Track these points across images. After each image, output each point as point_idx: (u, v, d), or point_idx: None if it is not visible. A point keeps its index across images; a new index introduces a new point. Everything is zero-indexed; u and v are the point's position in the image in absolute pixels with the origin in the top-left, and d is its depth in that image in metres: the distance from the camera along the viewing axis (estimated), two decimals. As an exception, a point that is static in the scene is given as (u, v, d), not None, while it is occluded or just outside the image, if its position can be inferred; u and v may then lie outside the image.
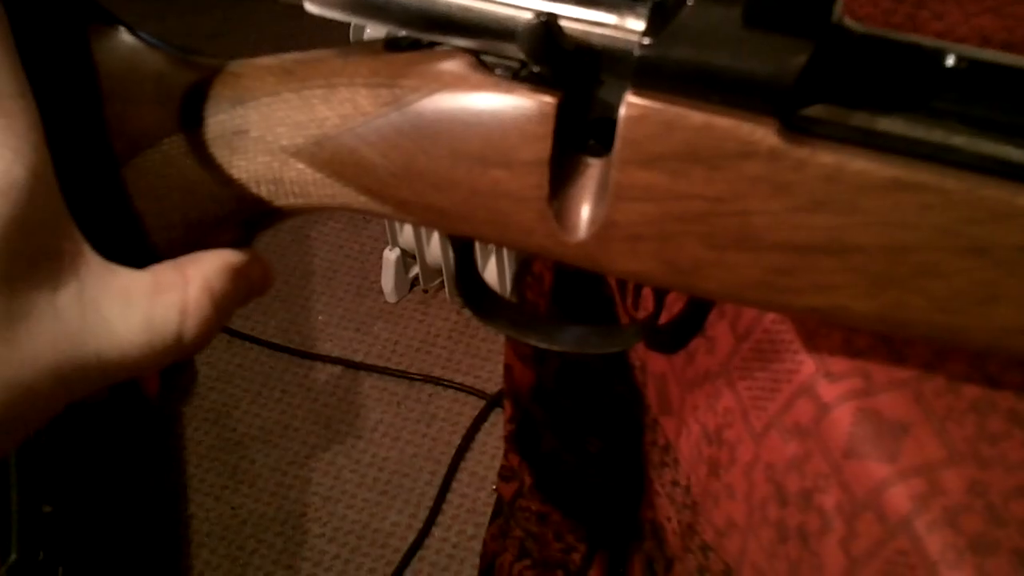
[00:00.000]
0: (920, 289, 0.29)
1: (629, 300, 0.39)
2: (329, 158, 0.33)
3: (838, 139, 0.28)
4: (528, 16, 0.30)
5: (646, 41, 0.29)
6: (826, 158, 0.28)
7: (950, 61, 0.29)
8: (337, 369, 1.42)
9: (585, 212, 0.31)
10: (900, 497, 0.28)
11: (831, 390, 0.31)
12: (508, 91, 0.30)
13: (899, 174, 0.28)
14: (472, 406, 1.36)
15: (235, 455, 1.32)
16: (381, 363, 1.42)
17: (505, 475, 0.56)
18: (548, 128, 0.30)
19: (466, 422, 1.35)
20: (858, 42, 0.29)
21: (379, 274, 1.51)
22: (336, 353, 1.43)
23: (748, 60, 0.28)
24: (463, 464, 1.32)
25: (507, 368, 0.54)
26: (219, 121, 0.34)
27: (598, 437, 0.47)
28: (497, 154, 0.31)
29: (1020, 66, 0.29)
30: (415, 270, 1.48)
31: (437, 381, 1.40)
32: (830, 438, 0.30)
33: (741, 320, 0.34)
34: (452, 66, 0.31)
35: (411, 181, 0.32)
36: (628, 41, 0.30)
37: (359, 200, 0.34)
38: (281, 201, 0.35)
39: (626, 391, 0.45)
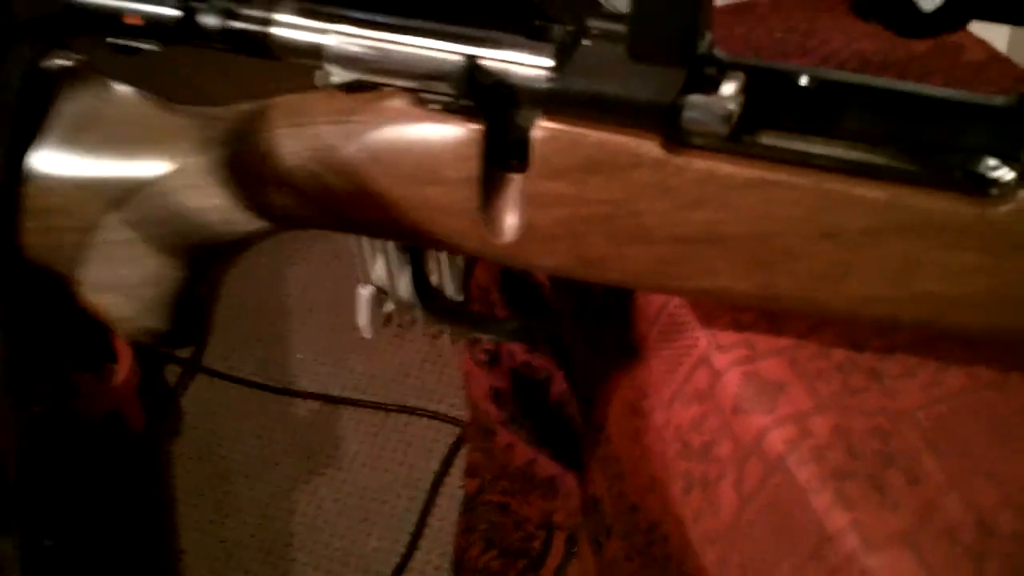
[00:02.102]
0: (786, 270, 0.35)
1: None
2: (298, 184, 0.39)
3: (711, 148, 0.35)
4: (456, 59, 0.36)
5: (552, 75, 0.35)
6: (700, 164, 0.34)
7: (803, 81, 0.35)
8: (316, 404, 1.47)
9: (510, 219, 0.37)
10: (776, 441, 0.34)
11: (722, 359, 0.37)
12: (442, 121, 0.37)
13: (761, 174, 0.34)
14: (447, 433, 1.41)
15: (220, 489, 1.37)
16: (358, 396, 1.47)
17: (470, 472, 0.62)
18: (476, 150, 0.36)
19: (442, 449, 1.40)
20: (727, 67, 0.35)
21: (353, 311, 1.56)
22: (314, 388, 1.48)
23: (633, 87, 0.34)
24: (441, 488, 1.37)
25: (466, 375, 0.60)
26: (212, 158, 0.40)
27: (544, 428, 0.53)
28: (434, 174, 0.37)
29: (861, 83, 0.36)
30: (388, 306, 1.54)
31: (412, 411, 1.45)
32: (722, 398, 0.36)
33: (650, 306, 0.40)
34: (396, 103, 0.38)
35: (364, 201, 0.38)
36: (538, 76, 0.36)
37: (322, 219, 0.40)
38: (255, 226, 0.41)
39: (566, 390, 0.51)
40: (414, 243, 0.39)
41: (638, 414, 0.40)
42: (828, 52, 0.50)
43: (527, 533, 0.59)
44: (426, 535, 1.33)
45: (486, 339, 0.43)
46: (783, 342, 0.37)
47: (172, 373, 1.51)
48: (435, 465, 1.38)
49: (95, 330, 1.32)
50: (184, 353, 1.53)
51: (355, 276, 1.54)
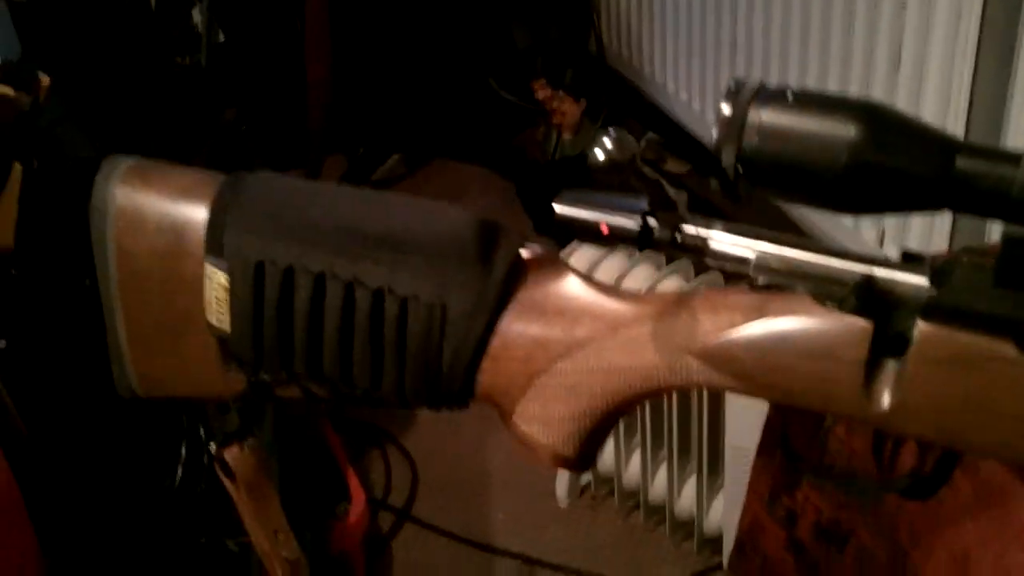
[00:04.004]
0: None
1: (885, 464, 0.57)
2: (710, 354, 0.52)
3: (1054, 355, 0.46)
4: (855, 274, 0.49)
5: (932, 291, 0.48)
6: (1047, 366, 0.46)
7: None
8: (515, 564, 1.57)
9: (885, 393, 0.49)
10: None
11: (1049, 518, 0.48)
12: (839, 318, 0.49)
13: (1095, 378, 0.45)
14: (638, 605, 1.50)
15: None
16: (555, 561, 1.57)
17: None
18: (866, 340, 0.49)
19: (635, 620, 1.48)
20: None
21: (552, 479, 1.67)
22: (514, 549, 1.59)
23: (996, 305, 0.46)
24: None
25: (756, 531, 0.71)
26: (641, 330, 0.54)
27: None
28: (831, 354, 0.49)
29: None
30: (587, 478, 1.65)
31: (607, 581, 1.54)
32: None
33: (979, 473, 0.51)
34: (799, 300, 0.51)
35: (766, 369, 0.51)
36: (918, 290, 0.48)
37: (725, 381, 0.53)
38: (671, 382, 0.54)
39: (865, 545, 0.62)
40: (798, 405, 0.52)
41: (968, 561, 0.51)
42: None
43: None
44: None
45: (838, 490, 0.55)
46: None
47: (384, 521, 1.64)
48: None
49: (334, 471, 1.47)
50: (397, 503, 1.66)
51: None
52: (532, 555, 1.58)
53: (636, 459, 1.53)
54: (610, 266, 1.37)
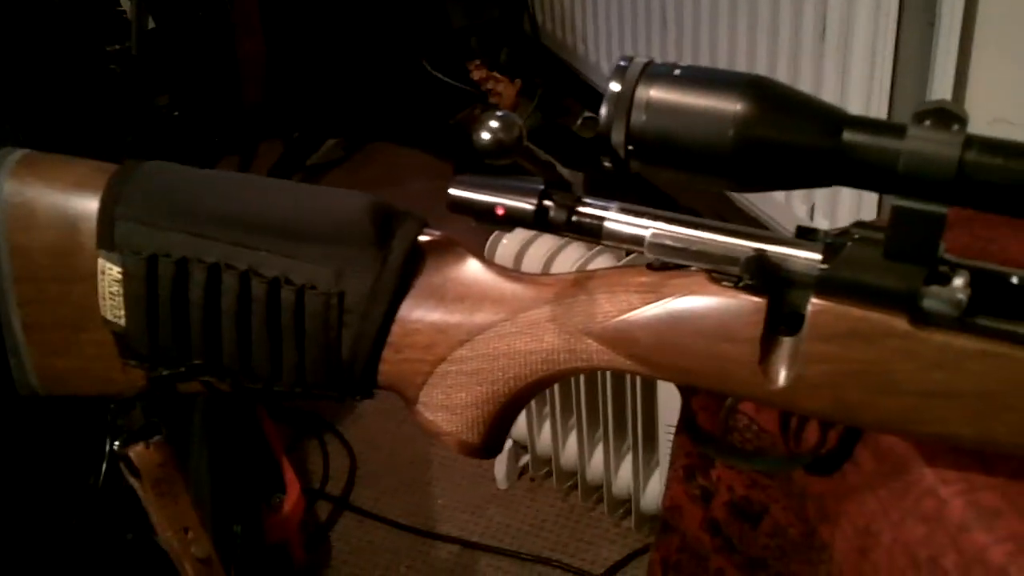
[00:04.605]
0: (1004, 421, 0.46)
1: (791, 440, 0.57)
2: (609, 336, 0.52)
3: (946, 326, 0.46)
4: (749, 250, 0.49)
5: (824, 266, 0.47)
6: (938, 337, 0.46)
7: (1014, 280, 0.47)
8: (455, 548, 1.57)
9: (783, 371, 0.49)
10: (998, 554, 0.44)
11: (946, 490, 0.48)
12: (734, 296, 0.49)
13: (984, 347, 0.45)
14: (579, 584, 1.50)
15: (370, 621, 1.46)
16: (495, 544, 1.57)
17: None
18: (760, 318, 0.48)
19: (574, 599, 1.48)
20: (956, 266, 0.47)
21: (492, 462, 1.67)
22: (455, 533, 1.58)
23: (887, 279, 0.46)
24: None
25: (675, 509, 0.71)
26: (540, 313, 0.53)
27: (754, 555, 0.63)
28: (726, 333, 0.49)
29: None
30: (525, 459, 1.65)
31: (547, 562, 1.53)
32: (948, 520, 0.47)
33: (879, 447, 0.51)
34: (695, 279, 0.50)
35: (664, 350, 0.51)
36: (810, 266, 0.48)
37: (625, 363, 0.52)
38: (572, 365, 0.53)
39: (779, 521, 0.62)
40: (698, 385, 0.51)
41: (868, 533, 0.51)
42: (1007, 258, 0.61)
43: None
44: None
45: (745, 468, 0.55)
46: (996, 480, 0.48)
47: (323, 510, 1.63)
48: (570, 614, 1.46)
49: (269, 461, 1.45)
50: (335, 491, 1.65)
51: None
52: (473, 539, 1.57)
53: (573, 439, 1.52)
54: (539, 249, 1.36)
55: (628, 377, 1.35)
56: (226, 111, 2.53)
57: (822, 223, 1.47)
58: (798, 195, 1.56)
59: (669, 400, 1.30)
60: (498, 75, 2.42)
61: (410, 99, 2.56)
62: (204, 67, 2.49)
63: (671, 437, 1.31)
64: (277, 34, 2.51)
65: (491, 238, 1.40)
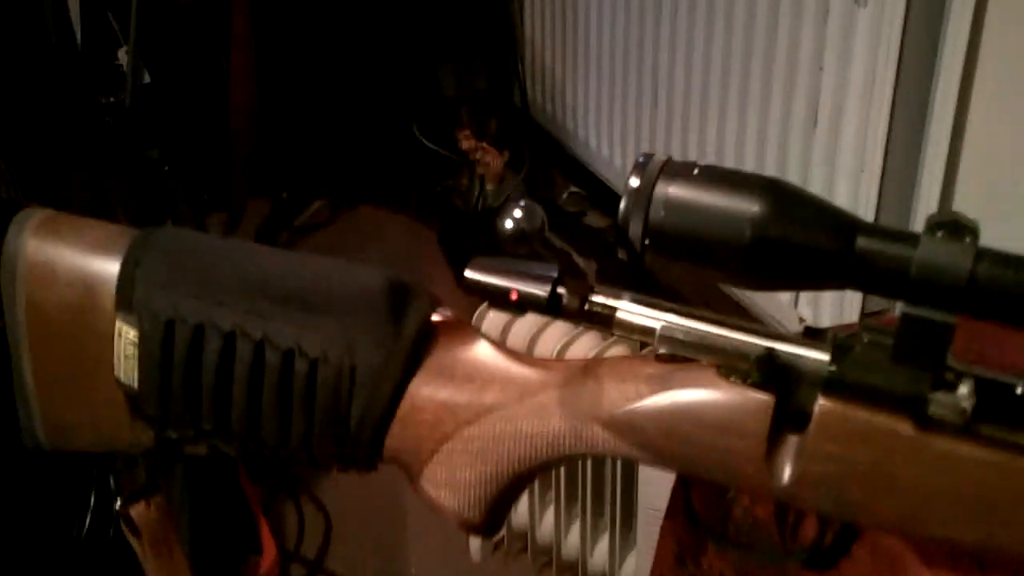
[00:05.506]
0: (1005, 529, 0.47)
1: (788, 532, 0.57)
2: (616, 424, 0.53)
3: (950, 433, 0.47)
4: (758, 348, 0.50)
5: (832, 367, 0.49)
6: (942, 443, 0.47)
7: (1019, 390, 0.48)
8: (427, 618, 1.56)
9: (786, 467, 0.50)
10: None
11: (943, 592, 0.49)
12: (742, 392, 0.50)
13: (987, 456, 0.46)
14: (551, 662, 1.49)
15: None
16: (468, 617, 1.55)
17: None
18: (767, 415, 0.50)
19: None
20: (961, 373, 0.48)
21: (466, 535, 1.66)
22: (426, 604, 1.57)
23: (894, 382, 0.47)
24: None
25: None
26: (547, 397, 0.54)
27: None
28: (733, 428, 0.50)
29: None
30: (500, 533, 1.64)
31: (518, 637, 1.52)
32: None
33: (877, 545, 0.52)
34: (703, 374, 0.51)
35: (670, 440, 0.52)
36: (819, 366, 0.49)
37: (630, 451, 0.53)
38: (577, 449, 0.54)
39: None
40: (701, 476, 0.52)
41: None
42: (1008, 364, 0.63)
43: None
44: None
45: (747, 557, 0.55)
46: (992, 585, 0.49)
47: (296, 573, 1.61)
48: None
49: (247, 521, 1.44)
50: (309, 554, 1.63)
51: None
52: (444, 610, 1.56)
53: (550, 515, 1.52)
54: (524, 326, 1.37)
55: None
56: (216, 168, 2.54)
57: (806, 311, 1.49)
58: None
59: (649, 481, 1.31)
60: (486, 145, 2.45)
61: (398, 164, 2.59)
62: (196, 123, 2.51)
63: (651, 519, 1.31)
64: (270, 93, 2.53)
65: (476, 313, 1.41)
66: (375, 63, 2.55)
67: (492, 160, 2.41)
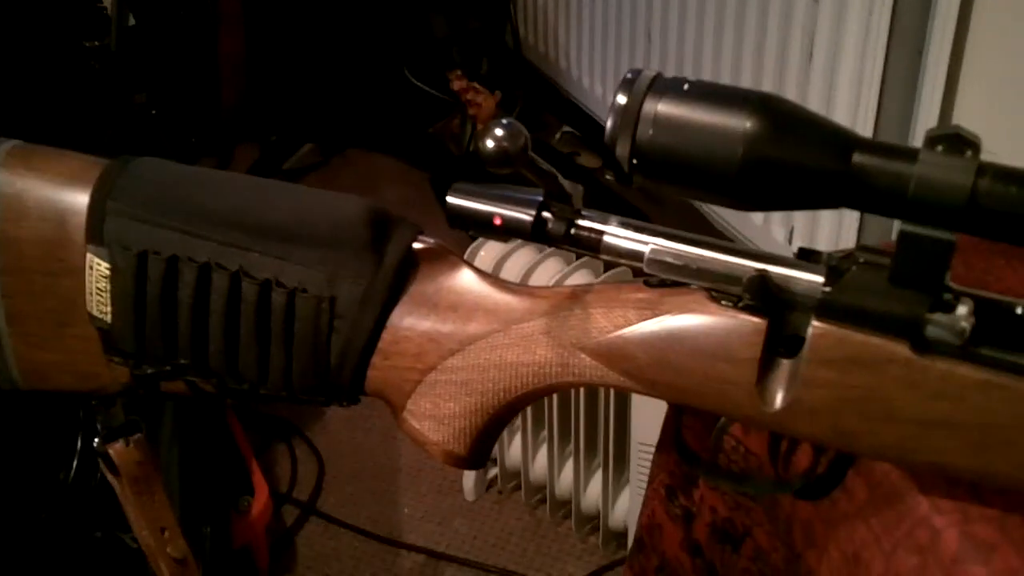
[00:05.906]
0: (1003, 454, 0.45)
1: (780, 463, 0.56)
2: (604, 351, 0.51)
3: (948, 355, 0.46)
4: (750, 270, 0.48)
5: (826, 289, 0.47)
6: (941, 366, 0.45)
7: (1019, 310, 0.47)
8: (420, 558, 1.55)
9: (779, 393, 0.48)
10: (992, 587, 0.44)
11: (940, 520, 0.47)
12: (734, 316, 0.48)
13: (987, 378, 0.45)
14: (544, 599, 1.49)
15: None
16: (461, 555, 1.55)
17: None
18: (760, 339, 0.48)
19: (538, 614, 1.47)
20: (960, 294, 0.47)
21: (460, 474, 1.66)
22: (420, 543, 1.57)
23: (891, 304, 0.46)
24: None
25: (654, 528, 0.70)
26: (533, 325, 0.52)
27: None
28: (725, 353, 0.48)
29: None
30: (493, 472, 1.63)
31: (512, 575, 1.52)
32: (942, 552, 0.46)
33: (872, 475, 0.51)
34: (694, 298, 0.49)
35: (660, 368, 0.50)
36: (813, 288, 0.48)
37: (619, 380, 0.51)
38: (564, 379, 0.53)
39: (762, 546, 0.61)
40: (692, 404, 0.50)
41: (858, 562, 0.50)
42: (1004, 288, 0.61)
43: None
44: None
45: (730, 490, 0.54)
46: (992, 512, 0.47)
47: (289, 515, 1.61)
48: (533, 629, 1.45)
49: (238, 463, 1.43)
50: (302, 497, 1.63)
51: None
52: (438, 549, 1.56)
53: (543, 453, 1.52)
54: (519, 260, 1.35)
55: (601, 393, 1.34)
56: (204, 112, 2.50)
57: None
58: (776, 218, 1.57)
59: (642, 417, 1.30)
60: (478, 86, 2.41)
61: (389, 106, 2.55)
62: (184, 66, 2.47)
63: (643, 455, 1.31)
64: (259, 35, 2.49)
65: (470, 248, 1.39)
66: (366, 3, 2.51)
67: (484, 101, 2.38)
